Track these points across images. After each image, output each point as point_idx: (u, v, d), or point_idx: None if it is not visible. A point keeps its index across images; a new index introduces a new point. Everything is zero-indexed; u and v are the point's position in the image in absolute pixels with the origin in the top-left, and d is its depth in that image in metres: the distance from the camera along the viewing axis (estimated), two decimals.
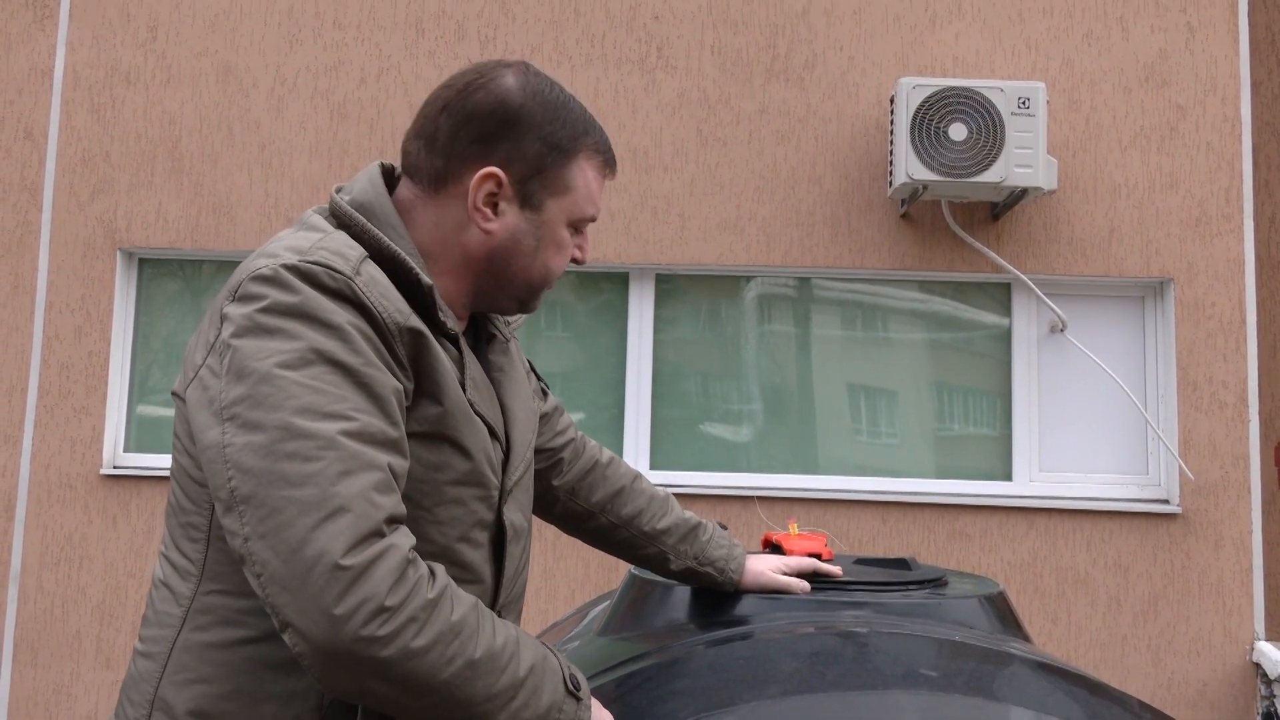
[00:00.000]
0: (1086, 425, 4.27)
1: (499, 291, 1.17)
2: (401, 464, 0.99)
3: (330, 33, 4.38)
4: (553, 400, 1.51)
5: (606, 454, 1.56)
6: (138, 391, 4.41)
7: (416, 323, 1.05)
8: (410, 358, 1.05)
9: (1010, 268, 4.12)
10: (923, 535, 4.11)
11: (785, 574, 1.58)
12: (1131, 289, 4.30)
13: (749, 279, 4.40)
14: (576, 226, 1.17)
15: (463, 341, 1.14)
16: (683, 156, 4.30)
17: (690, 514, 1.59)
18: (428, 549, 1.09)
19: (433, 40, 4.37)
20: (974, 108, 3.86)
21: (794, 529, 1.87)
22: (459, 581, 1.11)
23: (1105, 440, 4.25)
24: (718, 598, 1.53)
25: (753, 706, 1.19)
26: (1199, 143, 4.22)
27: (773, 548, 1.85)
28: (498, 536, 1.18)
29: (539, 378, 1.46)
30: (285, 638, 0.90)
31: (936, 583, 1.64)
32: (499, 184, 1.11)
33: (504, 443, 1.19)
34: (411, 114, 4.34)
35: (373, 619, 0.89)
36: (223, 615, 1.04)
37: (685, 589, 1.58)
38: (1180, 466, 4.07)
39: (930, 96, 3.87)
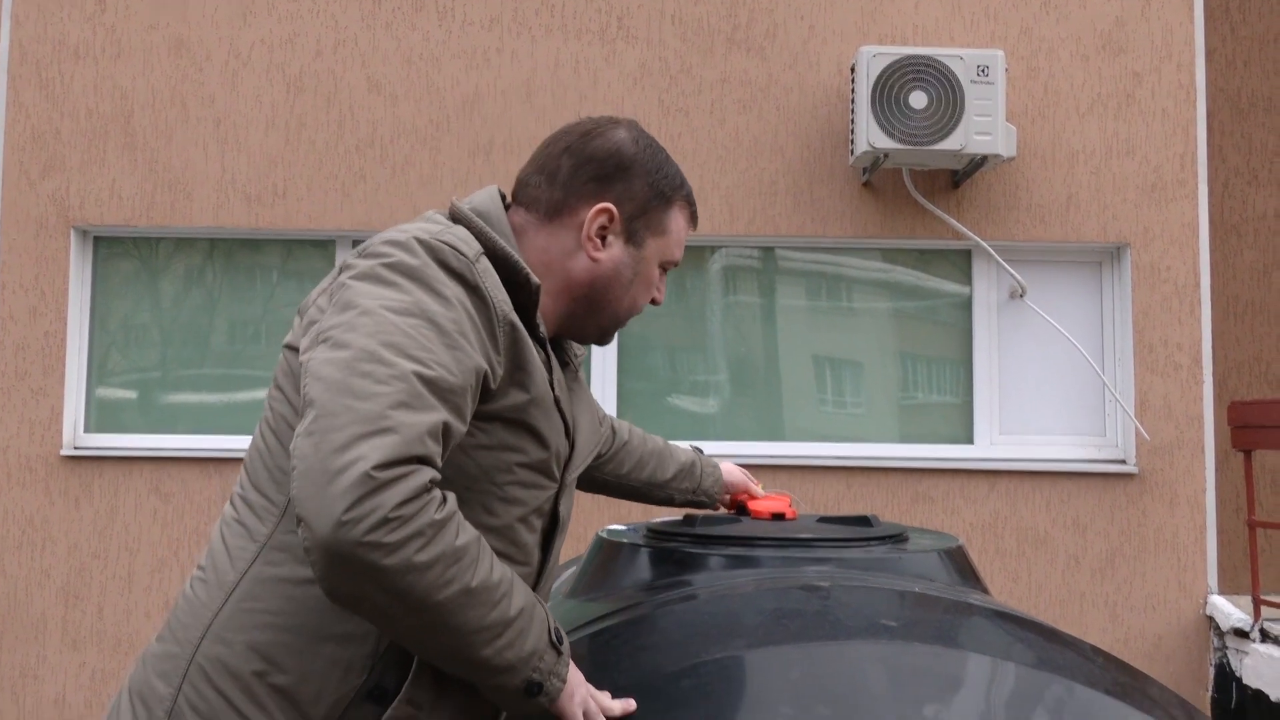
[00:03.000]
0: (1046, 389, 4.34)
1: (589, 319, 1.28)
2: (458, 428, 1.04)
3: (285, 4, 4.32)
4: (609, 422, 1.72)
5: (624, 429, 1.76)
6: (96, 372, 4.36)
7: (517, 318, 1.14)
8: (507, 347, 1.12)
9: (971, 234, 4.17)
10: (886, 499, 4.17)
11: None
12: (1089, 254, 4.37)
13: (713, 250, 4.41)
14: (663, 268, 1.31)
15: (550, 348, 1.24)
16: (644, 127, 4.30)
17: (681, 451, 1.83)
18: (491, 522, 1.15)
19: (389, 11, 4.32)
20: (934, 76, 3.89)
21: (760, 490, 1.91)
22: (511, 562, 1.17)
23: (1064, 403, 4.33)
24: (685, 558, 1.56)
25: (718, 660, 1.22)
26: (1155, 109, 4.28)
27: (738, 509, 1.89)
28: (549, 525, 1.25)
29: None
30: (299, 531, 0.94)
31: (897, 538, 1.67)
32: (611, 218, 1.25)
33: (570, 444, 1.27)
34: (371, 87, 4.30)
35: (380, 527, 0.92)
36: (298, 553, 1.09)
37: (651, 550, 1.62)
38: (1136, 428, 4.16)
39: (891, 65, 3.90)
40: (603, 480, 1.75)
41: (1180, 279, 4.23)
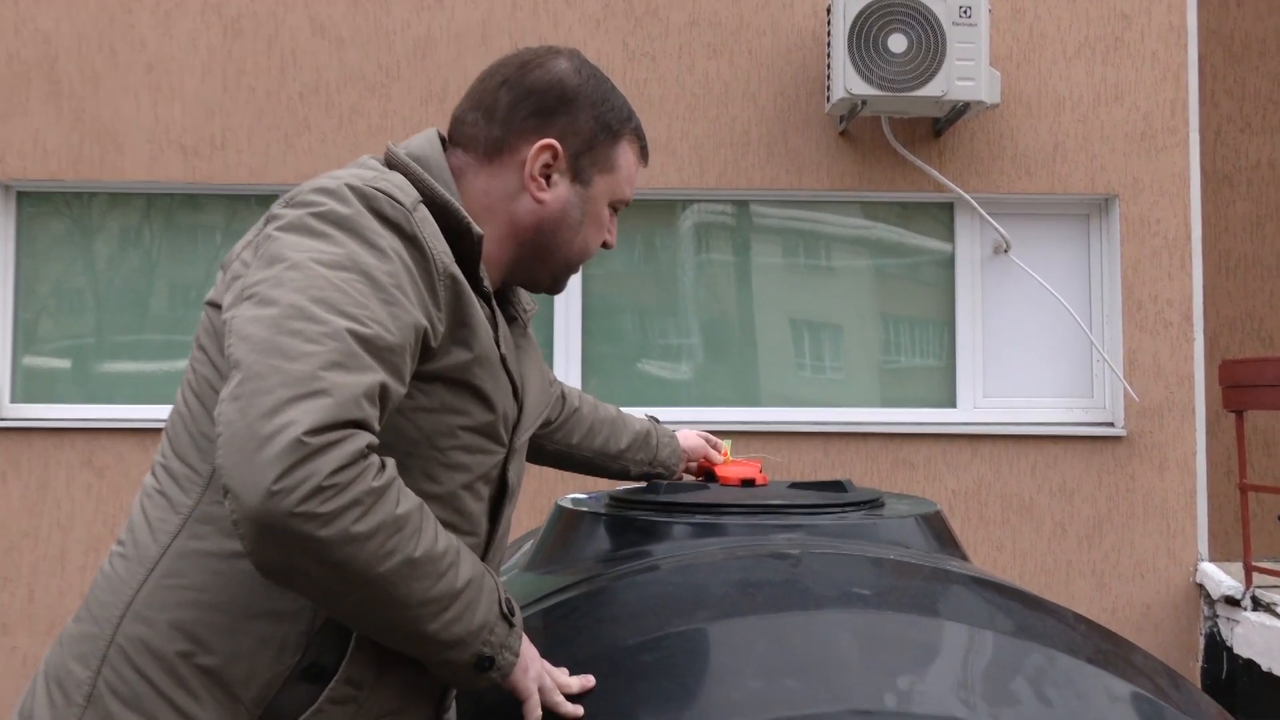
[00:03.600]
0: (1031, 349, 4.37)
1: (538, 265, 1.26)
2: (397, 390, 1.02)
3: None
4: (558, 387, 1.71)
5: (573, 395, 1.77)
6: (24, 340, 4.28)
7: (458, 271, 1.12)
8: (448, 302, 1.11)
9: (953, 186, 4.17)
10: (866, 465, 4.19)
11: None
12: (1076, 206, 4.38)
13: (684, 205, 4.39)
14: (614, 208, 1.29)
15: (495, 304, 1.22)
16: (608, 72, 4.24)
17: (635, 420, 1.84)
18: (434, 490, 1.14)
19: None
20: (914, 17, 3.87)
21: (727, 454, 1.91)
22: (457, 532, 1.15)
23: (1050, 364, 4.36)
24: (648, 527, 1.56)
25: (682, 633, 1.22)
26: (1144, 53, 4.28)
27: (706, 475, 1.89)
28: (498, 493, 1.24)
29: None
30: (226, 503, 0.93)
31: (872, 504, 1.69)
32: (555, 156, 1.22)
33: (519, 406, 1.26)
34: (315, 29, 4.21)
35: (313, 496, 0.91)
36: (224, 526, 1.07)
37: (612, 519, 1.62)
38: (1125, 388, 4.19)
39: (869, 6, 3.86)
40: (552, 451, 1.74)
41: (1170, 232, 4.26)
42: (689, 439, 1.90)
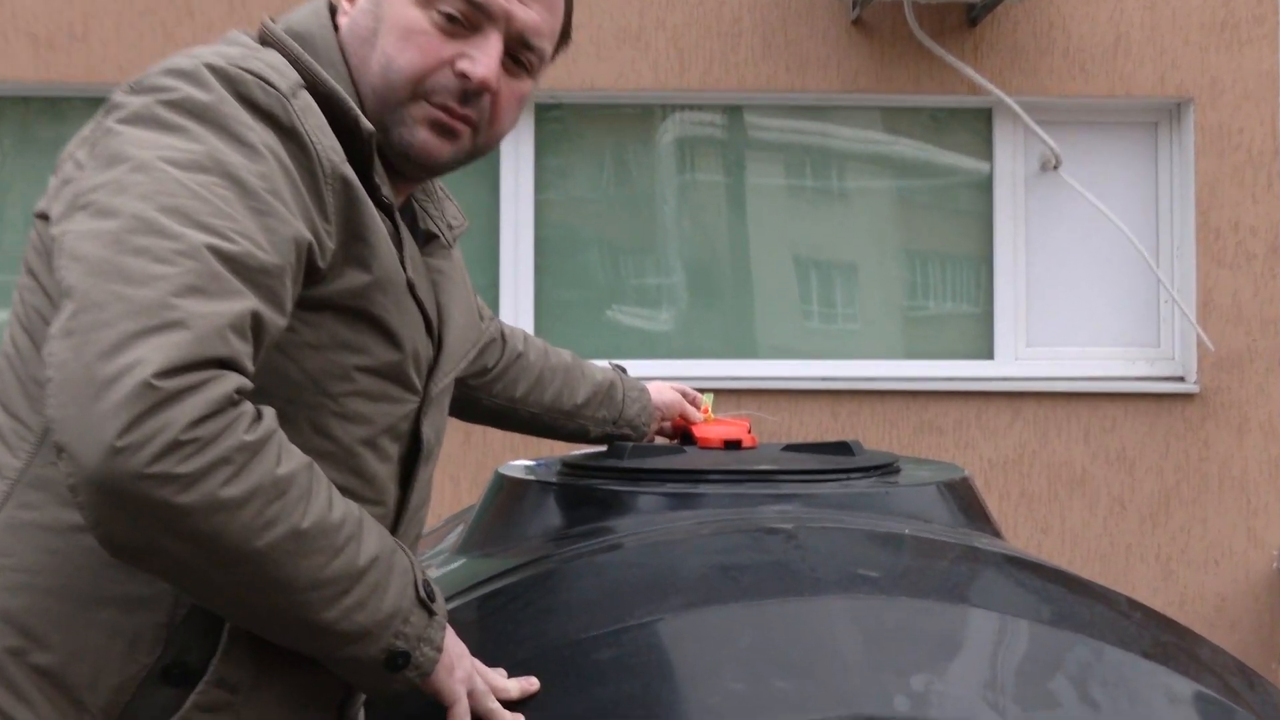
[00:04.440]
0: (1084, 288, 4.38)
1: (378, 114, 1.18)
2: (274, 321, 1.00)
3: None
4: (488, 314, 1.68)
5: (517, 337, 1.76)
6: None
7: (351, 172, 1.10)
8: (339, 210, 1.09)
9: (991, 87, 4.15)
10: (883, 430, 4.21)
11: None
12: (1141, 113, 4.38)
13: (661, 111, 4.36)
14: (453, 18, 1.18)
15: (399, 217, 1.20)
16: None
17: (597, 370, 1.84)
18: (326, 447, 1.12)
19: None
20: None
21: (708, 411, 1.90)
22: (358, 499, 1.13)
23: (1107, 306, 4.38)
24: (609, 498, 1.56)
25: (647, 625, 1.22)
26: None
27: (682, 437, 1.89)
28: (410, 453, 1.24)
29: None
30: (60, 465, 0.90)
31: (885, 469, 1.69)
32: None
33: (436, 343, 1.25)
34: None
35: (168, 453, 0.89)
36: (61, 493, 1.04)
37: (564, 489, 1.63)
38: (1198, 335, 4.21)
39: None
40: (492, 406, 1.74)
41: (1255, 143, 4.26)
42: (662, 393, 1.90)
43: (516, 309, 4.24)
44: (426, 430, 1.25)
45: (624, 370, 1.90)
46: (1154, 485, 4.26)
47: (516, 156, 4.28)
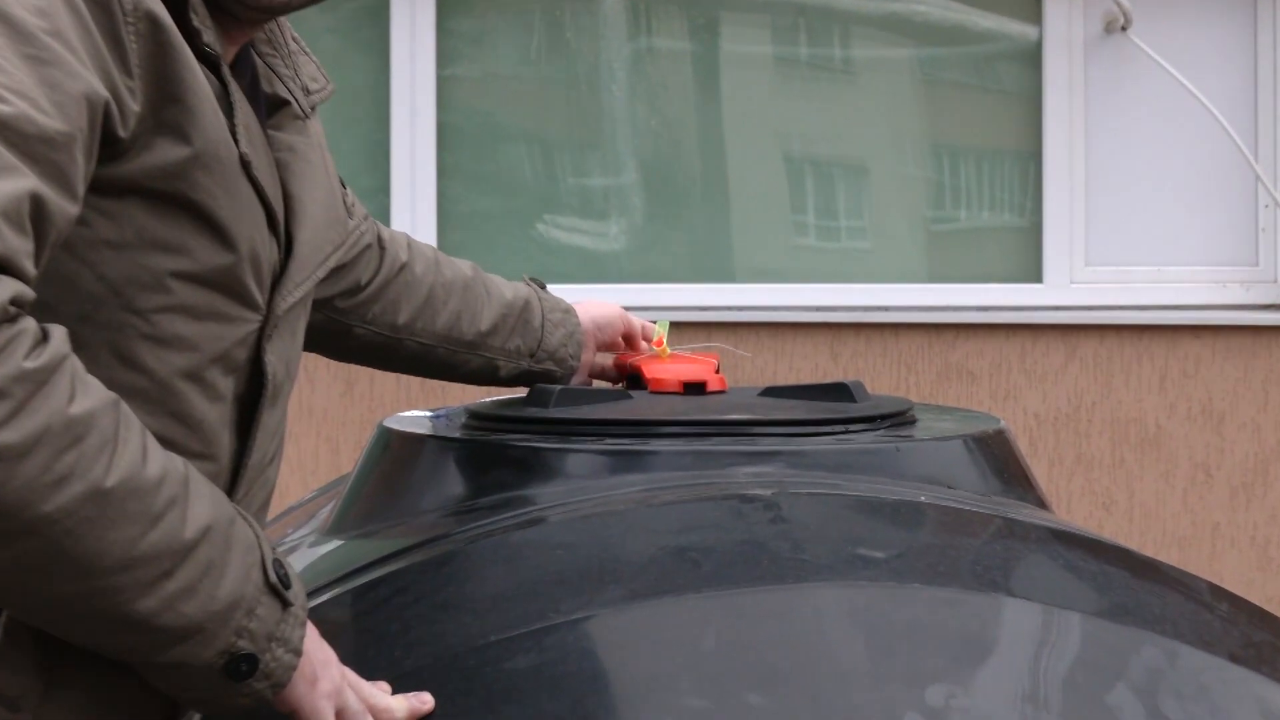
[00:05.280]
0: (1159, 190, 4.41)
1: None
2: (64, 210, 1.01)
3: None
4: (360, 211, 1.69)
5: (400, 243, 1.79)
6: None
7: (161, 9, 1.10)
8: (146, 59, 1.09)
9: None
10: (898, 373, 4.22)
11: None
12: None
13: None
14: None
15: (228, 74, 1.21)
16: None
17: (506, 287, 1.86)
18: (134, 381, 1.13)
19: None
20: None
21: (661, 344, 1.90)
22: (180, 451, 1.13)
23: (1189, 213, 4.41)
24: (527, 458, 1.57)
25: (576, 624, 1.23)
26: None
27: (630, 377, 1.91)
28: (250, 390, 1.25)
29: (342, 183, 1.57)
30: None
31: (895, 419, 1.69)
32: None
33: (283, 243, 1.26)
34: None
35: None
36: None
37: (469, 447, 1.64)
38: None
39: None
40: (368, 338, 1.74)
41: None
42: (599, 312, 1.92)
43: (413, 221, 4.21)
44: (272, 360, 1.25)
45: (542, 286, 1.91)
46: (1249, 447, 4.30)
47: (413, 16, 4.26)
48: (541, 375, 1.85)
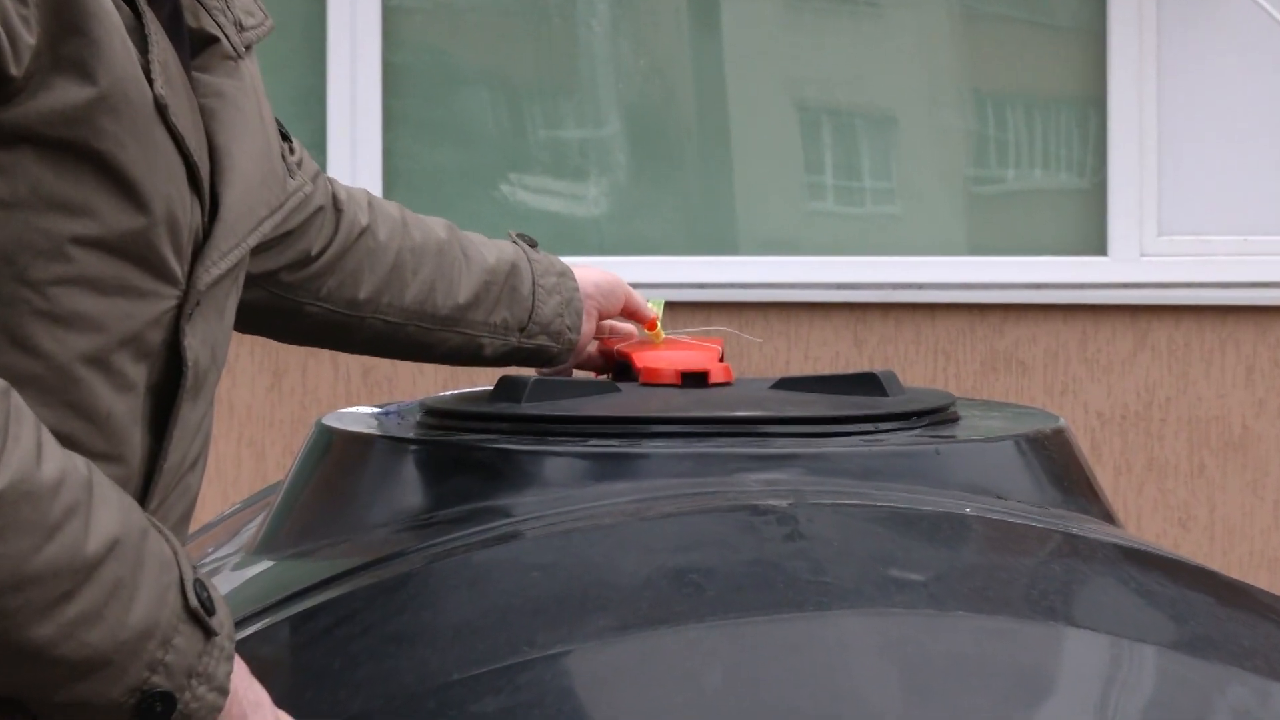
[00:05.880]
0: (1244, 145, 4.42)
1: None
2: None
3: None
4: (310, 169, 1.67)
5: (362, 203, 1.78)
6: None
7: None
8: None
9: None
10: (936, 364, 4.26)
11: None
12: None
13: None
14: None
15: (143, 2, 1.20)
16: None
17: (488, 248, 1.84)
18: (27, 366, 1.12)
19: None
20: None
21: (657, 327, 1.90)
22: (81, 450, 1.13)
23: None
24: (497, 462, 1.58)
25: (555, 660, 1.24)
26: None
27: (616, 365, 1.91)
28: (166, 380, 1.24)
29: (284, 131, 1.57)
30: None
31: (934, 416, 1.69)
32: None
33: (207, 204, 1.25)
34: None
35: None
36: None
37: (425, 449, 1.65)
38: None
39: None
40: (321, 317, 1.74)
41: None
42: (601, 277, 1.91)
43: (353, 182, 4.20)
44: (193, 344, 1.24)
45: (532, 244, 1.90)
46: None
47: None
48: (534, 352, 1.86)
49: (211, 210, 1.25)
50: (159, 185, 1.17)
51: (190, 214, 1.22)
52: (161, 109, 1.18)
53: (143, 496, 1.22)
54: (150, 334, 1.20)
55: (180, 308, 1.23)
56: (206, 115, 1.29)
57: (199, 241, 1.24)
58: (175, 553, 1.13)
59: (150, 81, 1.17)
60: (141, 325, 1.19)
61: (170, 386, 1.24)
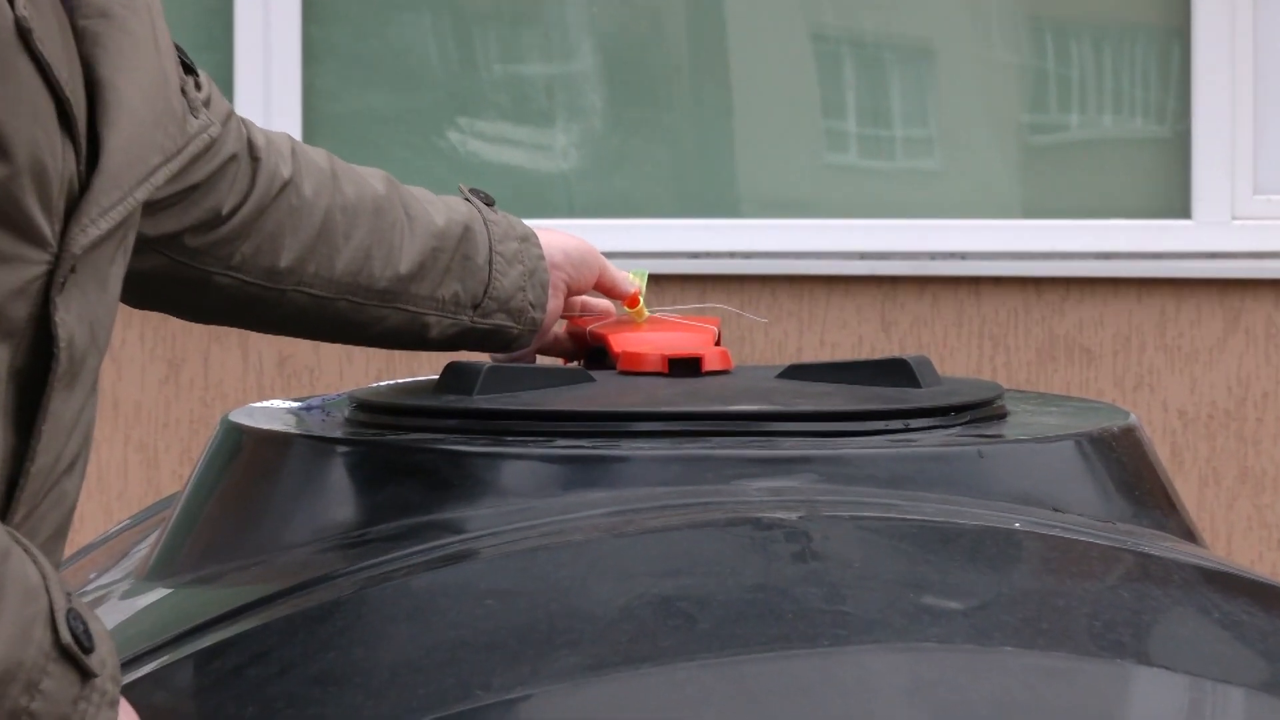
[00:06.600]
0: None
1: None
2: None
3: None
4: (221, 108, 1.65)
5: (284, 150, 1.77)
6: None
7: None
8: None
9: None
10: (983, 350, 4.28)
11: None
12: None
13: None
14: None
15: None
16: None
17: (435, 207, 1.84)
18: None
19: None
20: None
21: (639, 304, 1.91)
22: None
23: None
24: (441, 465, 1.57)
25: (514, 705, 1.26)
26: None
27: (591, 352, 1.93)
28: (34, 364, 1.25)
29: (187, 62, 1.58)
30: None
31: (977, 410, 1.70)
32: None
33: (84, 149, 1.25)
34: None
35: None
36: None
37: (356, 451, 1.65)
38: None
39: None
40: (233, 290, 1.72)
41: None
42: (571, 244, 1.91)
43: (265, 125, 4.22)
44: (66, 320, 1.25)
45: (489, 201, 1.90)
46: None
47: None
48: (489, 334, 1.86)
49: (90, 157, 1.26)
50: (21, 126, 1.18)
51: (62, 161, 1.23)
52: (24, 33, 1.18)
53: (4, 507, 1.23)
54: (13, 307, 1.21)
55: (50, 276, 1.23)
56: (86, 40, 1.30)
57: (74, 195, 1.25)
58: (44, 577, 1.13)
59: (13, 3, 1.18)
60: (2, 297, 1.20)
61: (39, 372, 1.25)
